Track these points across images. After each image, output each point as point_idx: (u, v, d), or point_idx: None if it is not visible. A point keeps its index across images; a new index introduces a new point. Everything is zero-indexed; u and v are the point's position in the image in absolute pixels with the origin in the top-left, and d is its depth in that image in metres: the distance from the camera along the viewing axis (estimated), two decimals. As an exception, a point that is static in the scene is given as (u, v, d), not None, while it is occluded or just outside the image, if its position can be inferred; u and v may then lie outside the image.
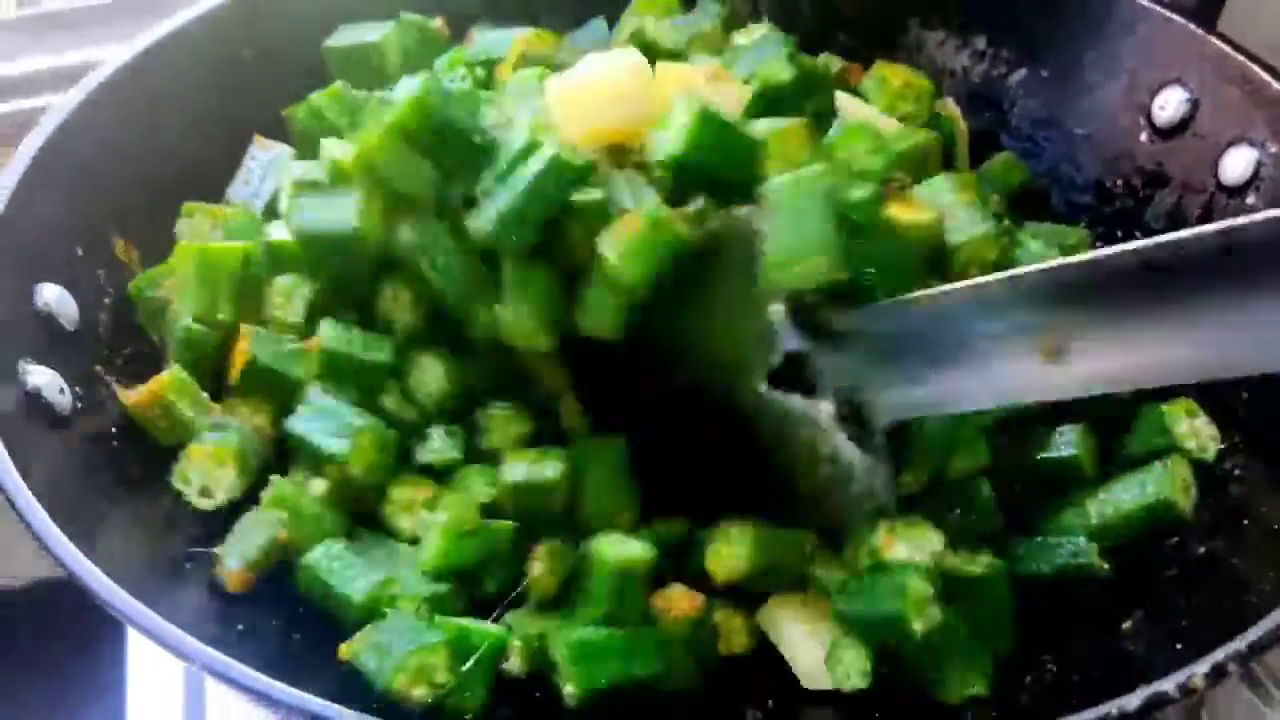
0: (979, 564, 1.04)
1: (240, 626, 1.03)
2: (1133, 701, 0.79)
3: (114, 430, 1.13)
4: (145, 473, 1.13)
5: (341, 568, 1.04)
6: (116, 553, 0.98)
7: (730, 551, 1.07)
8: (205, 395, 1.16)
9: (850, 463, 1.02)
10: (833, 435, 1.02)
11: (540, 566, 1.06)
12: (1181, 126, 1.32)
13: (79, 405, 1.10)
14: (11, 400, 1.02)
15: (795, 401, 1.03)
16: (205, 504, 1.11)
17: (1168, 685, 0.79)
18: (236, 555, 1.05)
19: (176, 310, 1.19)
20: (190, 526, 1.11)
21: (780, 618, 1.08)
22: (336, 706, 0.84)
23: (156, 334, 1.22)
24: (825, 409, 1.02)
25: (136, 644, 1.42)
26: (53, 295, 1.13)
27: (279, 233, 1.21)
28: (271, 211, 1.30)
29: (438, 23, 1.43)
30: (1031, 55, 1.43)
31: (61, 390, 1.08)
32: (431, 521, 1.06)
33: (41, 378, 1.06)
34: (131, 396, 1.13)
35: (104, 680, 1.42)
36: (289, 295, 1.18)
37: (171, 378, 1.14)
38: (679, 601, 1.05)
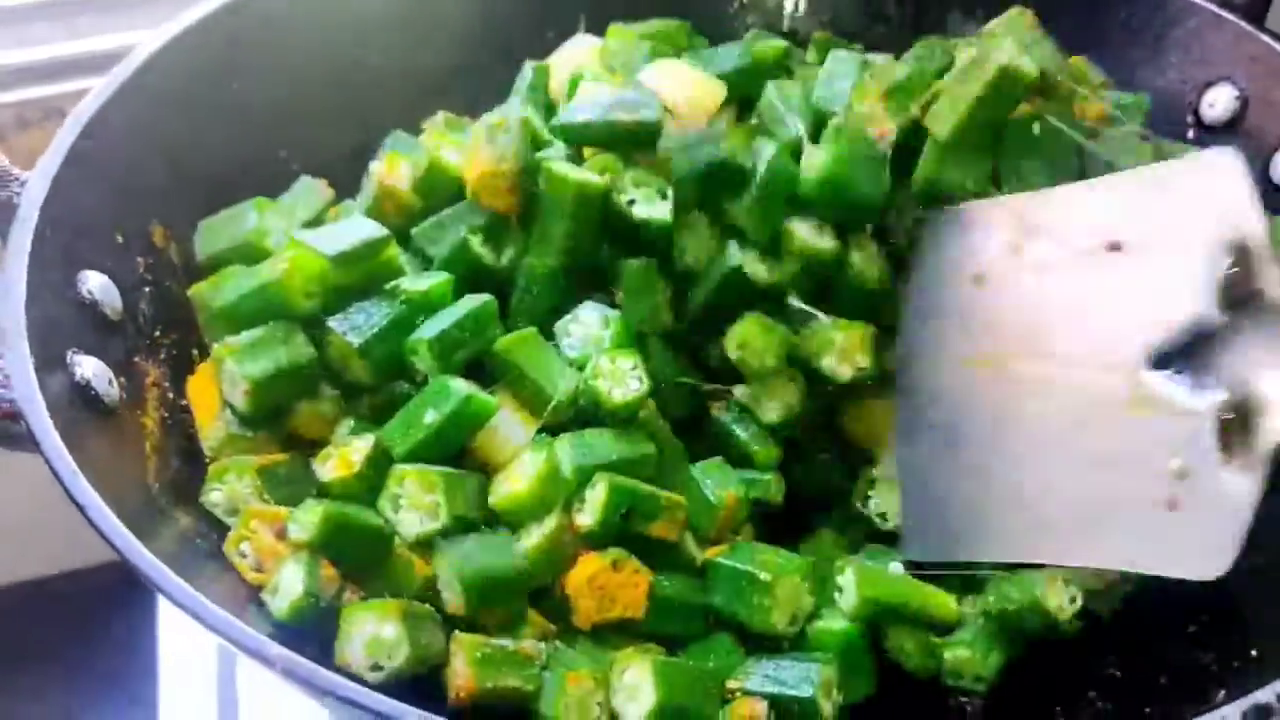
0: None
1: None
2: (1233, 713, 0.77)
3: (156, 423, 1.12)
4: (188, 467, 1.12)
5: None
6: (172, 551, 0.96)
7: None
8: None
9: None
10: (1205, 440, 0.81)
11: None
12: (1231, 125, 1.31)
13: (124, 397, 1.08)
14: (64, 391, 1.00)
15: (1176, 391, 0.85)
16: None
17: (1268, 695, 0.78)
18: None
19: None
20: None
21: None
22: (394, 702, 0.83)
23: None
24: (1212, 402, 0.83)
25: (168, 634, 1.41)
26: (97, 284, 1.11)
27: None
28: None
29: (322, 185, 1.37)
30: (1080, 50, 1.41)
31: (110, 381, 1.05)
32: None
33: (91, 368, 1.04)
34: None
35: (136, 669, 1.41)
36: None
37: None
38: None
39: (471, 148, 1.23)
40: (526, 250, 1.23)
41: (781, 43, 1.38)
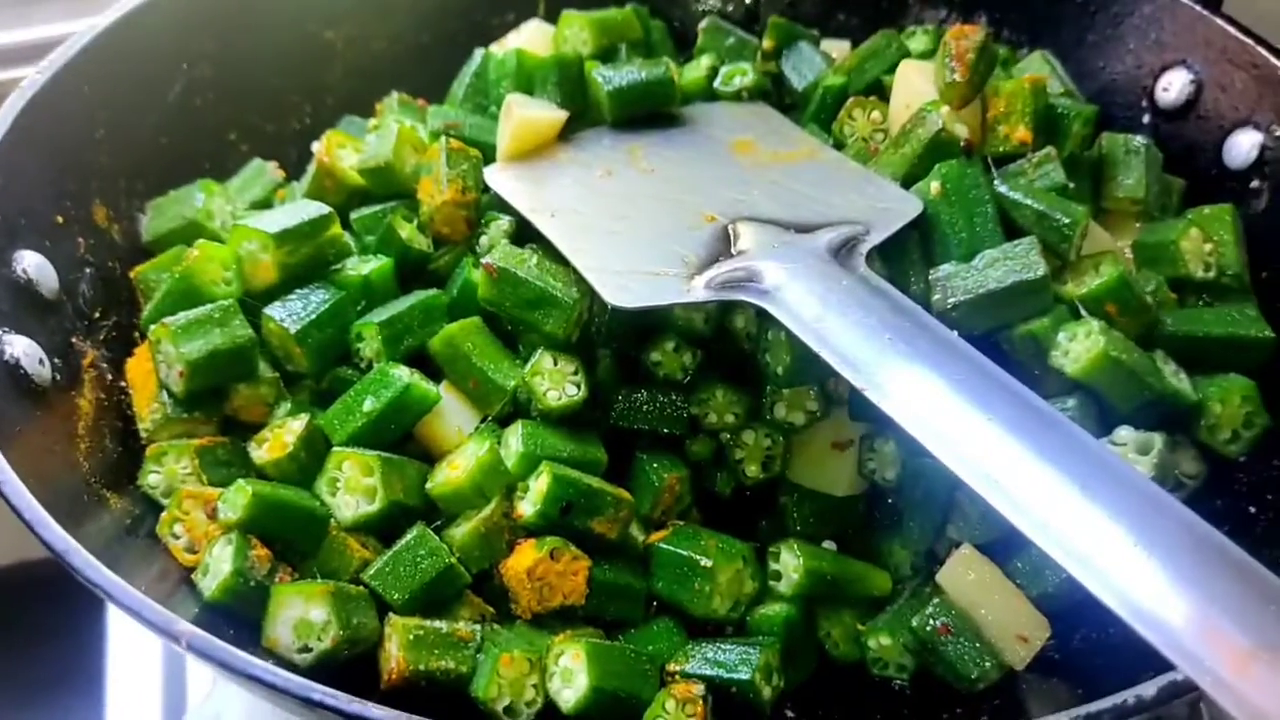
0: None
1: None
2: (1150, 689, 0.77)
3: (91, 404, 1.11)
4: (124, 450, 1.11)
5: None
6: (97, 532, 0.95)
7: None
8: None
9: None
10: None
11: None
12: (1186, 109, 1.30)
13: (57, 378, 1.07)
14: (-11, 370, 0.99)
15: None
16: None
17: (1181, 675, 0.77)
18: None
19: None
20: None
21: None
22: (320, 687, 0.82)
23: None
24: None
25: (117, 626, 1.40)
26: (32, 263, 1.10)
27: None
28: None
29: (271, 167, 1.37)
30: (1035, 36, 1.41)
31: (41, 361, 1.04)
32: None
33: (20, 346, 1.02)
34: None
35: (85, 663, 1.40)
36: None
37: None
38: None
39: (434, 173, 1.22)
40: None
41: None
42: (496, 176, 1.23)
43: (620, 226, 1.18)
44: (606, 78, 1.30)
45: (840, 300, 1.04)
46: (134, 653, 1.41)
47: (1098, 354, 1.08)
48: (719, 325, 1.18)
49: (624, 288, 1.10)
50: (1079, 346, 1.10)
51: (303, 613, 0.97)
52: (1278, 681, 0.70)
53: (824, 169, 1.25)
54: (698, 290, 1.10)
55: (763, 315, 1.12)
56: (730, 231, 1.16)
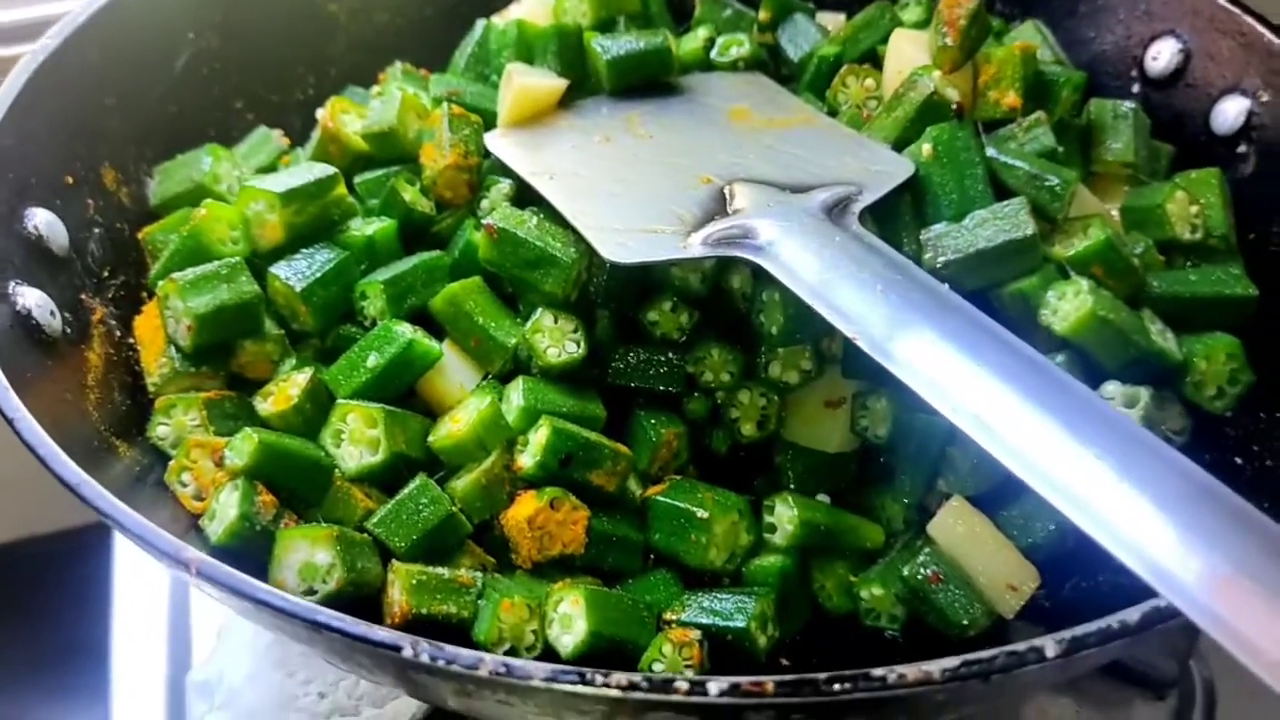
0: None
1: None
2: (1133, 615, 0.80)
3: (101, 358, 1.13)
4: (132, 403, 1.13)
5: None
6: (108, 479, 0.97)
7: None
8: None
9: None
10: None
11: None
12: (1174, 77, 1.32)
13: (67, 331, 1.09)
14: (4, 318, 1.01)
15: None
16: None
17: (1164, 601, 0.79)
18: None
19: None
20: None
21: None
22: (326, 610, 0.84)
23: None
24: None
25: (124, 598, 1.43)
26: (43, 220, 1.12)
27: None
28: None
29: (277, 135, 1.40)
30: (1026, 6, 1.44)
31: (52, 313, 1.07)
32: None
33: (32, 298, 1.05)
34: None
35: (89, 636, 1.43)
36: None
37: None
38: None
39: (436, 138, 1.24)
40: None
41: None
42: (497, 142, 1.26)
43: (619, 188, 1.21)
44: (605, 47, 1.33)
45: (834, 255, 1.06)
46: (139, 618, 1.43)
47: (1086, 313, 1.10)
48: (715, 285, 1.20)
49: (622, 245, 1.12)
50: (1067, 305, 1.12)
51: (308, 556, 1.00)
52: (1252, 604, 0.72)
53: (818, 134, 1.28)
54: (694, 247, 1.13)
55: (758, 275, 1.15)
56: (726, 192, 1.18)
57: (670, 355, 1.18)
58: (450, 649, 0.79)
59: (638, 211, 1.17)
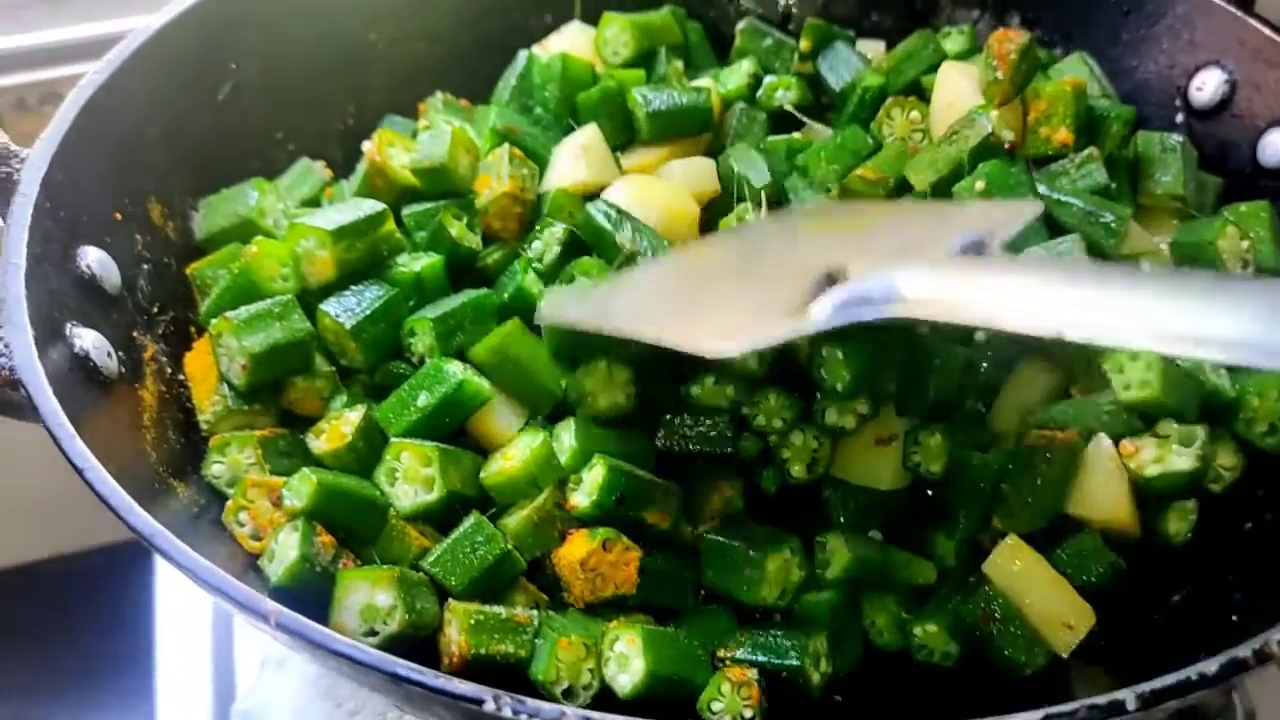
0: None
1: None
2: (1211, 666, 0.79)
3: (154, 396, 1.13)
4: (185, 441, 1.13)
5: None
6: (169, 519, 0.97)
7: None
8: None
9: None
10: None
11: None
12: (1220, 108, 1.32)
13: (123, 370, 1.09)
14: (63, 361, 1.01)
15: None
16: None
17: (1244, 651, 0.80)
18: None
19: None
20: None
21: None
22: (404, 662, 0.83)
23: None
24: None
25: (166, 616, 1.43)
26: (96, 259, 1.12)
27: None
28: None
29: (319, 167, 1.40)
30: (1068, 35, 1.43)
31: (109, 354, 1.07)
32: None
33: (89, 339, 1.05)
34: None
35: (134, 654, 1.42)
36: None
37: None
38: None
39: (494, 166, 1.25)
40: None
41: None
42: (554, 312, 1.17)
43: (704, 296, 1.11)
44: (646, 99, 1.33)
45: (993, 278, 0.92)
46: (183, 642, 1.43)
47: (1160, 371, 1.11)
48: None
49: (725, 335, 0.98)
50: (1138, 371, 1.12)
51: (369, 597, 1.00)
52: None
53: (916, 210, 1.21)
54: (813, 319, 0.96)
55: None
56: (835, 275, 0.98)
57: (719, 420, 1.15)
58: (533, 703, 0.79)
59: (735, 302, 1.05)
